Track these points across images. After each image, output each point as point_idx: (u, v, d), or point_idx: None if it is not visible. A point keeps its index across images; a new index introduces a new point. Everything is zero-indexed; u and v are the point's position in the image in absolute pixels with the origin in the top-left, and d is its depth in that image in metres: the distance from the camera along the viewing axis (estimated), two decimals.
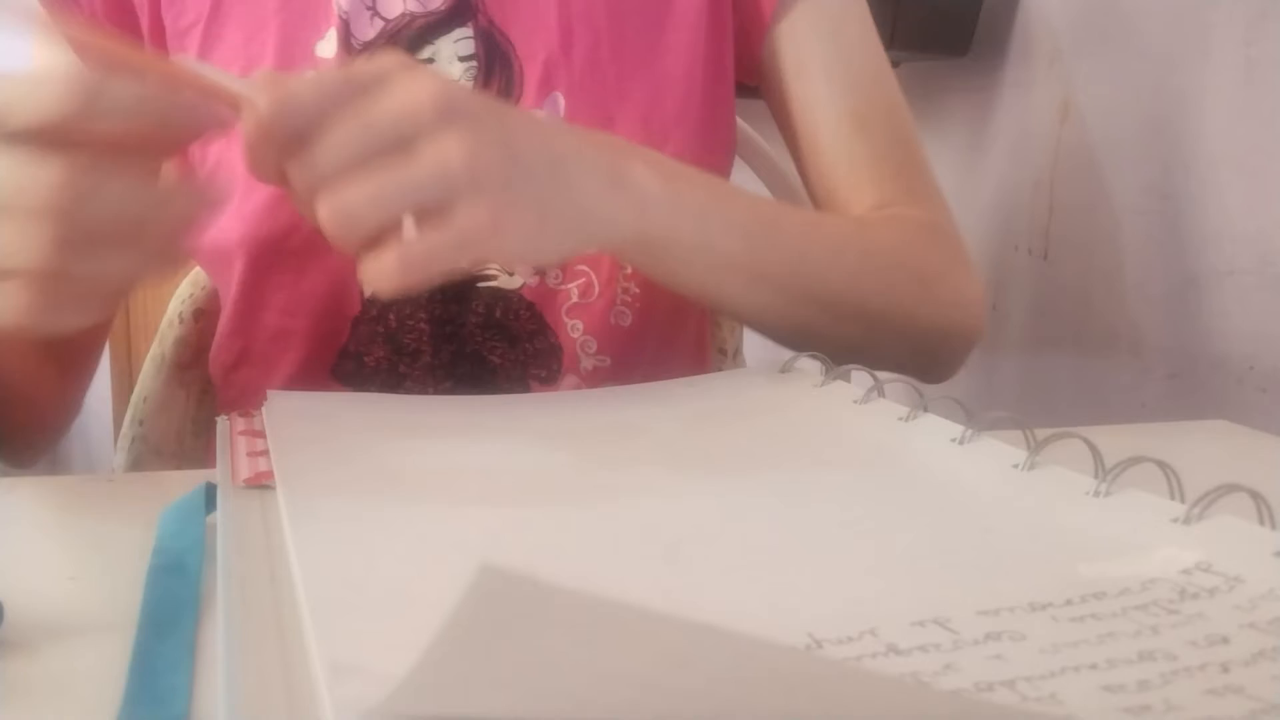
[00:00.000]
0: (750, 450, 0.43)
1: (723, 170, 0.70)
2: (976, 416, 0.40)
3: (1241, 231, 0.93)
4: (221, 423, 0.45)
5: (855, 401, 0.46)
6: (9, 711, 0.27)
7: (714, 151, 0.67)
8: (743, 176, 0.75)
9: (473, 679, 0.21)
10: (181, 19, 0.62)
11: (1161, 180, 1.02)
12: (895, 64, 1.41)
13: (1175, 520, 0.31)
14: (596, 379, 0.63)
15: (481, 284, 0.62)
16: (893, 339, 0.59)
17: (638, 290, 0.64)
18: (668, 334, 0.67)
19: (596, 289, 0.63)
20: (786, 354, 0.55)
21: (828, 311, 0.57)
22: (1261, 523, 0.31)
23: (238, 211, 0.61)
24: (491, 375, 0.63)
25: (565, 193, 0.46)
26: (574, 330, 0.63)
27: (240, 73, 0.60)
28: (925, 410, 0.43)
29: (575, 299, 0.63)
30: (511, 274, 0.62)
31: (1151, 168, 1.03)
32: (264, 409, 0.45)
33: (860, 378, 0.49)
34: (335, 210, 0.40)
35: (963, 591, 0.29)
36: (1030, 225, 1.21)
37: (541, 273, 0.62)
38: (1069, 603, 0.28)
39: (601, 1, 0.64)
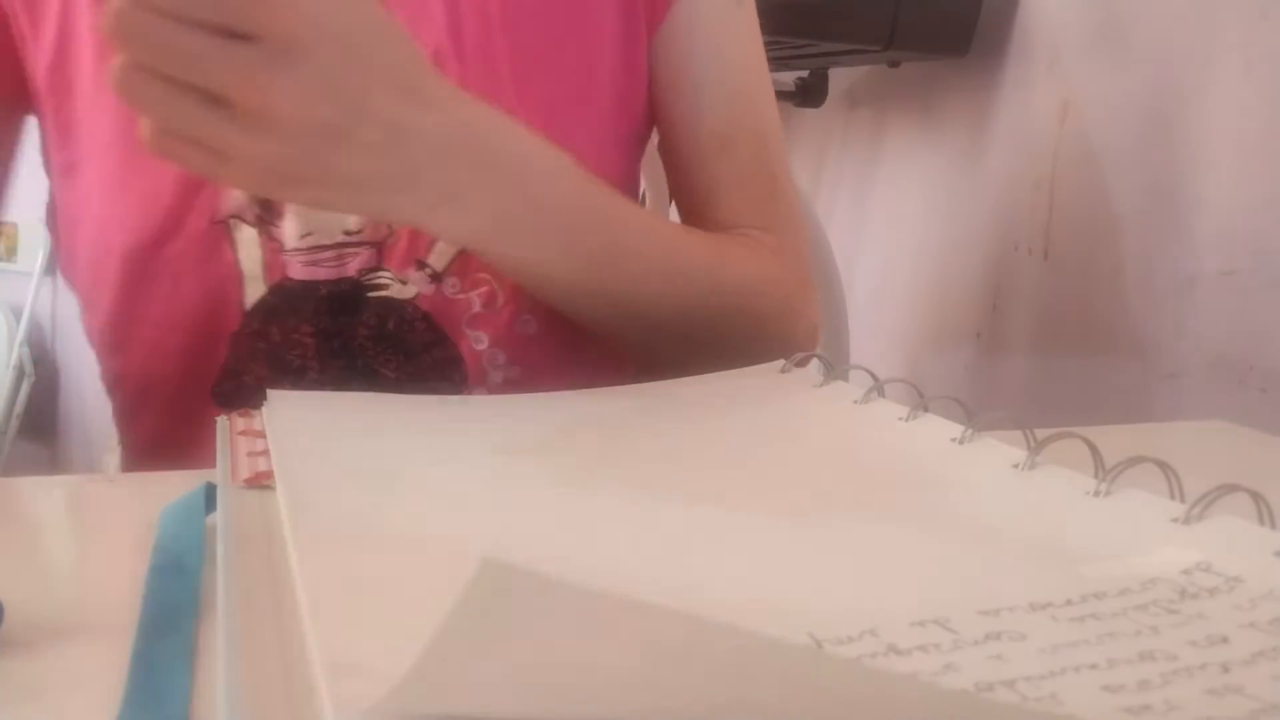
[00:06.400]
0: (750, 450, 0.43)
1: (632, 165, 0.67)
2: (976, 416, 0.40)
3: (1241, 231, 0.93)
4: (221, 423, 0.45)
5: (855, 401, 0.46)
6: (9, 711, 0.27)
7: (620, 146, 0.65)
8: None
9: (473, 676, 0.21)
10: (37, 61, 0.59)
11: (1162, 180, 1.02)
12: (895, 64, 1.41)
13: (1175, 520, 0.31)
14: (507, 391, 0.60)
15: (372, 294, 0.59)
16: (721, 364, 0.57)
17: None
18: (572, 337, 0.62)
19: (501, 298, 0.59)
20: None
21: (658, 332, 0.57)
22: (1261, 523, 0.31)
23: (112, 217, 0.58)
24: (387, 391, 0.59)
25: (375, 186, 0.45)
26: (478, 342, 0.59)
27: (104, 121, 0.57)
28: (925, 410, 0.43)
29: (478, 308, 0.59)
30: (405, 283, 0.58)
31: (1152, 168, 1.03)
32: (264, 409, 0.45)
33: (860, 377, 0.49)
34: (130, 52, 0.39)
35: (963, 591, 0.29)
36: (1030, 225, 1.21)
37: (438, 281, 0.59)
38: (1069, 603, 0.28)
39: None
